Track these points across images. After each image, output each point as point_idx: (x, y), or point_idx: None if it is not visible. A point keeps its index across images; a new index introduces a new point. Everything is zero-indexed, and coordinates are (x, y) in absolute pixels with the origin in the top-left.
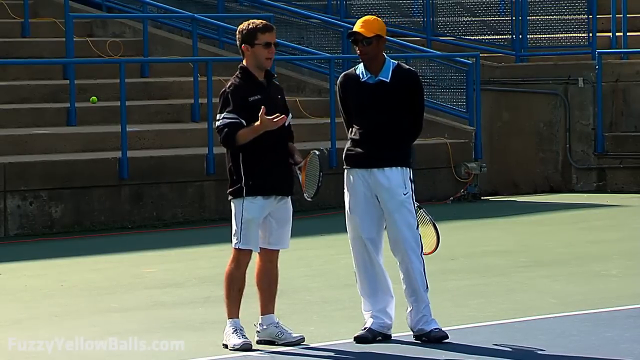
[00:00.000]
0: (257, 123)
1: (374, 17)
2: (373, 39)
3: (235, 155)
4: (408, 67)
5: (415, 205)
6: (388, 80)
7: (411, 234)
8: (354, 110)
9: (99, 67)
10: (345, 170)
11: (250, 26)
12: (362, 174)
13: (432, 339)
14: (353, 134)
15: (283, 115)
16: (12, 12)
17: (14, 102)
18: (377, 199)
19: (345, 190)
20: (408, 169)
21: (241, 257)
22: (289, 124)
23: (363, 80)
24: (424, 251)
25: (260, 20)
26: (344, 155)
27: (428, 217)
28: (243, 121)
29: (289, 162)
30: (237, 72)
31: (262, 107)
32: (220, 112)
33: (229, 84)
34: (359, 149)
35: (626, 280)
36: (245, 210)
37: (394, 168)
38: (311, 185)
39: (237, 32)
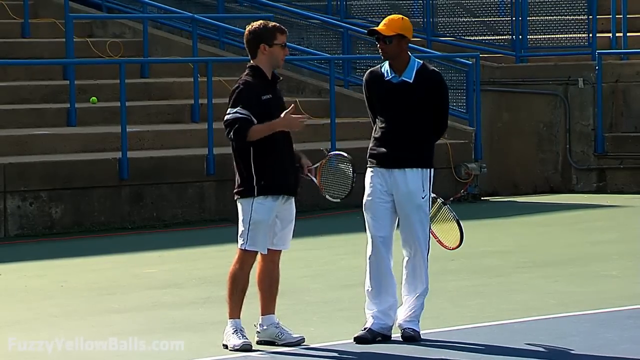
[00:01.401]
0: (278, 119)
1: (400, 16)
2: (394, 37)
3: (245, 153)
4: (433, 67)
5: (439, 202)
6: (411, 81)
7: (424, 236)
8: (377, 108)
9: (99, 67)
10: (367, 169)
11: (269, 26)
12: (382, 173)
13: (403, 337)
14: (376, 132)
15: (307, 116)
16: (12, 12)
17: (14, 103)
18: (394, 198)
19: (365, 188)
20: (428, 169)
21: (246, 258)
22: None
23: (387, 79)
24: (448, 246)
25: (273, 22)
26: (367, 154)
27: (452, 214)
28: (254, 119)
29: (297, 165)
30: (248, 71)
31: (292, 104)
32: (232, 107)
33: (243, 80)
34: (381, 149)
35: (626, 281)
36: (255, 211)
37: (414, 169)
38: (337, 187)
39: (251, 32)
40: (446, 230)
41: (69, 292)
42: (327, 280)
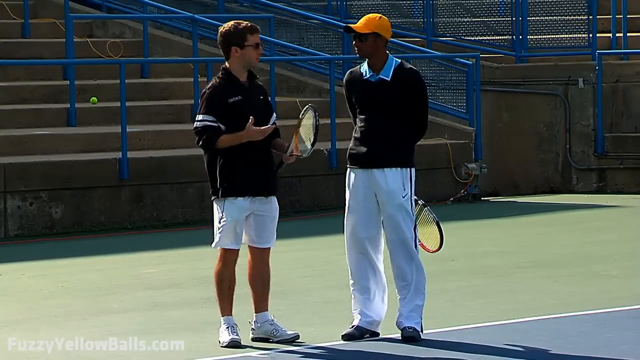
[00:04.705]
0: (243, 132)
1: (378, 15)
2: (369, 35)
3: (212, 156)
4: (410, 66)
5: (420, 203)
6: (389, 79)
7: (410, 234)
8: (357, 108)
9: (99, 67)
10: (347, 169)
11: (239, 27)
12: (362, 174)
13: (403, 337)
14: (355, 132)
15: (273, 126)
16: (12, 12)
17: (14, 103)
18: (377, 198)
19: (346, 189)
20: (408, 169)
21: (227, 256)
22: (274, 123)
23: (365, 78)
24: (429, 249)
25: (245, 21)
26: (347, 154)
27: (432, 216)
28: (221, 125)
29: (273, 160)
30: (219, 73)
31: (251, 117)
32: (199, 113)
33: (210, 85)
34: (360, 148)
35: (626, 281)
36: (225, 211)
37: (393, 169)
38: (306, 139)
39: (221, 34)
40: (427, 233)
41: (69, 292)
42: (327, 280)
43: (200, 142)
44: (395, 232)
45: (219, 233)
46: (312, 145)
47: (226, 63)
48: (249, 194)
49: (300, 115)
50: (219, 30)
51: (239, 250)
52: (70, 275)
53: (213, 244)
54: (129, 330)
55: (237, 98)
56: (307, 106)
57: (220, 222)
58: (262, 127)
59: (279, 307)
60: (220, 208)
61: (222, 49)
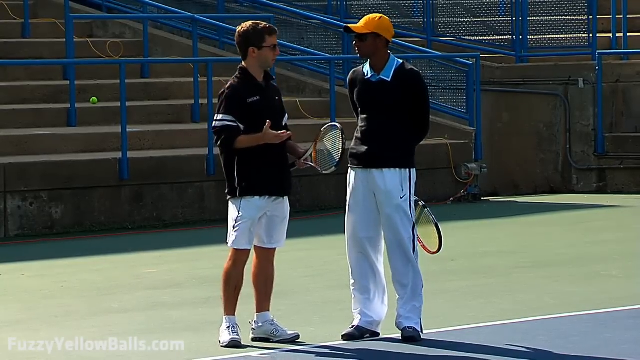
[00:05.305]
0: (260, 134)
1: (379, 15)
2: (368, 36)
3: (230, 156)
4: (411, 67)
5: (421, 205)
6: (389, 80)
7: (407, 235)
8: (358, 107)
9: (99, 67)
10: (348, 169)
11: (258, 28)
12: (361, 173)
13: (403, 337)
14: (357, 132)
15: (289, 133)
16: (12, 12)
17: (14, 103)
18: (375, 198)
19: (347, 188)
20: (408, 169)
21: (238, 256)
22: (286, 124)
23: (366, 78)
24: (431, 250)
25: (263, 22)
26: (348, 153)
27: (431, 217)
28: (240, 125)
29: (288, 162)
30: (237, 73)
31: (268, 121)
32: (218, 113)
33: (228, 84)
34: (360, 148)
35: (626, 281)
36: (242, 209)
37: (392, 169)
38: (329, 159)
39: (240, 34)
40: (428, 235)
41: (69, 292)
42: (327, 280)
43: (219, 142)
44: (393, 233)
45: (235, 232)
46: (336, 166)
47: (243, 63)
48: (266, 194)
49: (323, 129)
50: (237, 30)
51: (249, 251)
52: (70, 275)
53: (229, 243)
54: (129, 330)
55: (255, 98)
56: (333, 125)
57: (236, 221)
58: (279, 133)
59: (279, 307)
60: (236, 207)
61: (239, 49)
